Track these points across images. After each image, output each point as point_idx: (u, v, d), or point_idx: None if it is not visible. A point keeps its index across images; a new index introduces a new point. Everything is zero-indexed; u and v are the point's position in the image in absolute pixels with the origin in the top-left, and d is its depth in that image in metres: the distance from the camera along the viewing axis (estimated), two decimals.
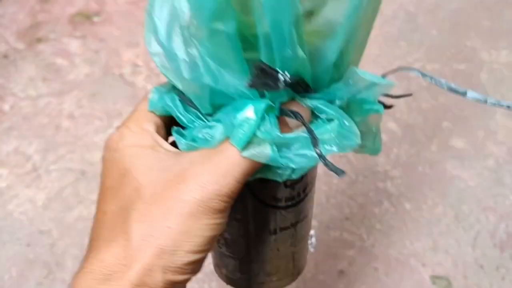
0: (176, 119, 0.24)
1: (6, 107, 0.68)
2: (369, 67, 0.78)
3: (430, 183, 0.62)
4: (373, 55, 0.75)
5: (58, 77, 0.72)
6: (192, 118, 0.23)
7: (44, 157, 0.63)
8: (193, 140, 0.23)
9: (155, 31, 0.21)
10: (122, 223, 0.21)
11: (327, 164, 0.22)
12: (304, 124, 0.22)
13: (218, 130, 0.22)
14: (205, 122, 0.23)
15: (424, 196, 0.61)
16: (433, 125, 0.68)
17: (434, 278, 0.54)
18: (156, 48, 0.22)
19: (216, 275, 0.35)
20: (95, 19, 0.79)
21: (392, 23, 0.79)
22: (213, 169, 0.21)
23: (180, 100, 0.24)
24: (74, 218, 0.58)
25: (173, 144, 0.24)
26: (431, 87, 0.72)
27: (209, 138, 0.22)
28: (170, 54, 0.21)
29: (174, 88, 0.24)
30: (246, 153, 0.21)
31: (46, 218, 0.58)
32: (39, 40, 0.76)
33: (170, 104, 0.24)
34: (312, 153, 0.22)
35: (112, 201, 0.23)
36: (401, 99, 0.71)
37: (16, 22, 0.78)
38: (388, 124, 0.68)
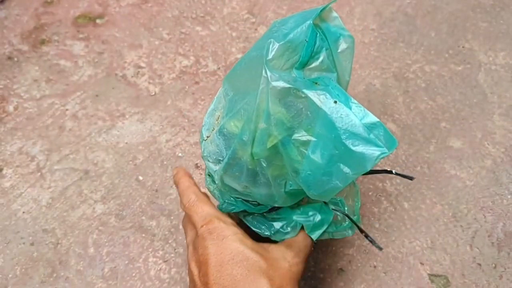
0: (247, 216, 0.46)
1: (10, 108, 0.69)
2: (368, 68, 0.79)
3: (429, 182, 0.63)
4: (372, 56, 0.76)
5: (62, 78, 0.73)
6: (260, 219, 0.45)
7: (48, 157, 0.64)
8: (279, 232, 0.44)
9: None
10: (257, 281, 0.34)
11: (370, 239, 0.47)
12: (351, 220, 0.46)
13: (296, 228, 0.43)
14: (279, 220, 0.44)
15: (422, 196, 0.61)
16: (431, 126, 0.68)
17: (432, 277, 0.55)
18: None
19: None
20: (98, 21, 0.80)
21: (390, 25, 0.80)
22: (305, 250, 0.41)
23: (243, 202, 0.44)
24: (78, 217, 0.59)
25: None
26: (429, 88, 0.73)
27: (291, 232, 0.44)
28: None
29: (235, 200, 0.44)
30: (316, 238, 0.43)
31: (50, 217, 0.59)
32: (43, 42, 0.77)
33: (243, 207, 0.43)
34: (348, 232, 0.46)
35: (238, 269, 0.34)
36: (400, 100, 0.72)
37: (20, 24, 0.79)
38: (387, 124, 0.68)
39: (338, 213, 0.46)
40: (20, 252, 0.56)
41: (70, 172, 0.63)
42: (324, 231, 0.44)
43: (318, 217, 0.43)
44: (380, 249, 0.47)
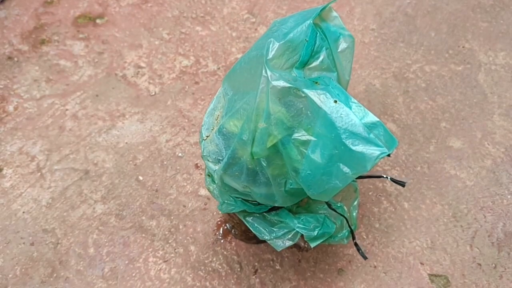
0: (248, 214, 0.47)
1: (10, 108, 0.69)
2: (368, 68, 0.79)
3: (429, 182, 0.63)
4: (372, 56, 0.76)
5: (62, 78, 0.73)
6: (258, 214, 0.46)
7: (48, 157, 0.64)
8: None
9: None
10: None
11: (358, 248, 0.48)
12: (350, 227, 0.47)
13: (296, 237, 0.45)
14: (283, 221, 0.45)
15: (422, 196, 0.61)
16: (431, 126, 0.68)
17: (432, 277, 0.55)
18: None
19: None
20: (98, 21, 0.80)
21: (390, 25, 0.80)
22: None
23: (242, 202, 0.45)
24: (78, 217, 0.59)
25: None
26: (429, 88, 0.73)
27: (291, 240, 0.46)
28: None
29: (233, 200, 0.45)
30: (314, 246, 0.46)
31: (50, 217, 0.59)
32: (43, 42, 0.77)
33: (243, 207, 0.44)
34: (343, 240, 0.48)
35: None
36: (400, 100, 0.73)
37: (20, 24, 0.79)
38: (387, 124, 0.68)
39: (339, 215, 0.46)
40: (20, 252, 0.56)
41: (70, 172, 0.63)
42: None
43: (320, 231, 0.43)
44: (365, 258, 0.48)
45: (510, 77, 0.74)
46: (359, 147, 0.33)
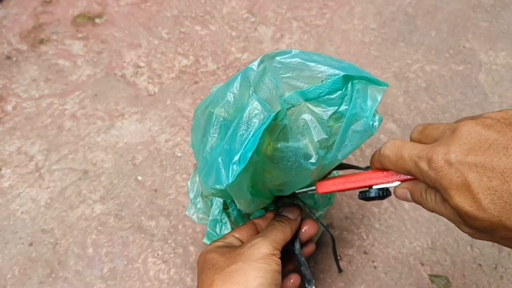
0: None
1: (9, 107, 0.69)
2: (368, 68, 0.79)
3: None
4: (372, 56, 0.75)
5: (61, 77, 0.72)
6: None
7: (47, 157, 0.64)
8: None
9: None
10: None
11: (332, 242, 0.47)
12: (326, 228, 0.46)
13: None
14: None
15: None
16: None
17: (433, 277, 0.55)
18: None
19: None
20: (97, 20, 0.79)
21: (390, 24, 0.80)
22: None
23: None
24: (77, 217, 0.59)
25: None
26: (429, 88, 0.73)
27: None
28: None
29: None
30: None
31: (48, 217, 0.59)
32: (41, 41, 0.76)
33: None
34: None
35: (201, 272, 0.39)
36: (400, 100, 0.72)
37: (19, 23, 0.79)
38: (388, 124, 0.68)
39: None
40: (19, 252, 0.56)
41: (69, 172, 0.63)
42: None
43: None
44: (340, 271, 0.50)
45: (510, 77, 0.74)
46: (221, 166, 0.32)
